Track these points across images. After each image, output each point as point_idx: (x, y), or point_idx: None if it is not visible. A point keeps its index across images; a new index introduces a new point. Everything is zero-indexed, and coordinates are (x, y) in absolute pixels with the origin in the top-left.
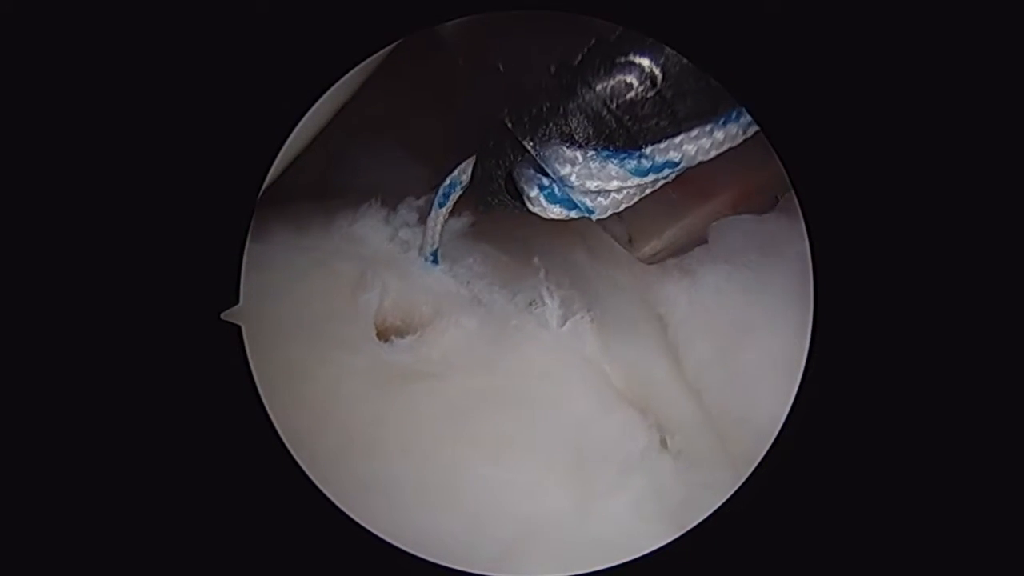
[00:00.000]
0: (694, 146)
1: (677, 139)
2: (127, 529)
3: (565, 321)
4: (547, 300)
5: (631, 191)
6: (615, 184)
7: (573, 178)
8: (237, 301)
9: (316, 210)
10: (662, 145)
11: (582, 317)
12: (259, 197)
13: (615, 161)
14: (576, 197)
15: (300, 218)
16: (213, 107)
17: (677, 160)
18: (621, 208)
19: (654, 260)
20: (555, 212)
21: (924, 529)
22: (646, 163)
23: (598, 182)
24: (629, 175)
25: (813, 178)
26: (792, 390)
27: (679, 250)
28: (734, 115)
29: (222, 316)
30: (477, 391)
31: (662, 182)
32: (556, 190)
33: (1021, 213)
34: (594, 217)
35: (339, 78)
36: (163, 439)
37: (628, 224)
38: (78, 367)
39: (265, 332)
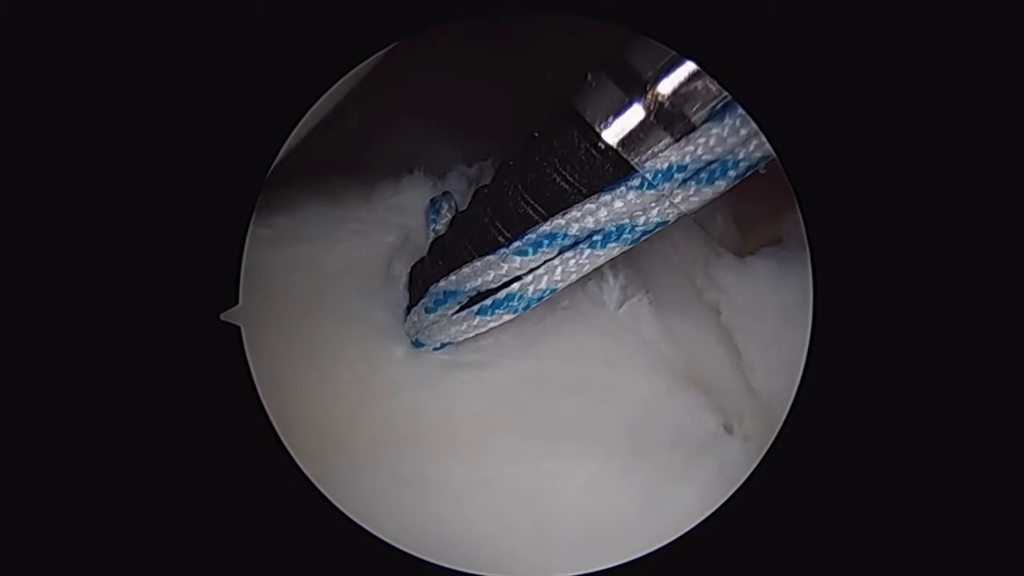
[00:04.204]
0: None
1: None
2: (127, 528)
3: (622, 303)
4: (609, 279)
5: (464, 321)
6: (427, 322)
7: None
8: (236, 301)
9: (352, 182)
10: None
11: (640, 299)
12: (270, 172)
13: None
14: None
15: (334, 189)
16: (213, 109)
17: (455, 291)
18: (460, 339)
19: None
20: None
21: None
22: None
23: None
24: (425, 313)
25: (814, 178)
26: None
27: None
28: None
29: (222, 317)
30: (529, 377)
31: (493, 322)
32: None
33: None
34: (427, 350)
35: (338, 80)
36: (161, 437)
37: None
38: (77, 364)
39: (284, 316)
